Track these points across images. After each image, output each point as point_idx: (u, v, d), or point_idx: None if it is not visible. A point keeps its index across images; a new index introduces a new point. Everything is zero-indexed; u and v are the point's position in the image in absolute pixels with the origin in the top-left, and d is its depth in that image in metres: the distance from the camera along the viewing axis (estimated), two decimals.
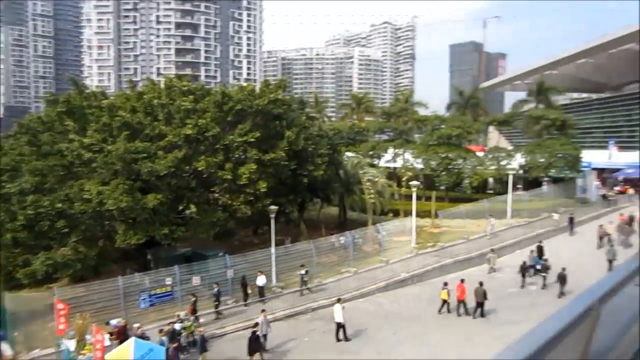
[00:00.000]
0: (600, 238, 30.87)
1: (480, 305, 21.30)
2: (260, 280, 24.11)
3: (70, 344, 18.14)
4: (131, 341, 15.74)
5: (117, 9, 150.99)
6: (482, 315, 21.31)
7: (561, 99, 75.81)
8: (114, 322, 19.87)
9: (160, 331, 18.50)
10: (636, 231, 31.85)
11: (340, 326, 19.57)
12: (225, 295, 23.94)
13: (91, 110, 28.56)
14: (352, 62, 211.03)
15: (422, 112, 60.79)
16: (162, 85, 33.12)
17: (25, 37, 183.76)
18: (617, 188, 49.30)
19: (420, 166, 50.21)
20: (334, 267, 28.64)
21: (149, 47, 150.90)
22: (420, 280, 27.61)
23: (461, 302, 21.72)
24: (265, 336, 18.70)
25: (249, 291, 23.86)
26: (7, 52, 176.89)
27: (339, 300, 20.37)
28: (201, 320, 21.29)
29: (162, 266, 24.55)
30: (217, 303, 22.57)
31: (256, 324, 18.39)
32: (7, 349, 19.16)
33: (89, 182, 24.61)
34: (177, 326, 19.37)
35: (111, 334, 18.56)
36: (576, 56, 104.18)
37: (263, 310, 20.01)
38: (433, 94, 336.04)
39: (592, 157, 53.09)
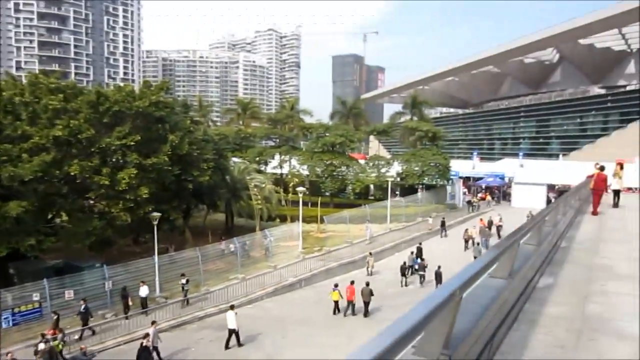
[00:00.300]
0: (466, 241, 34.33)
1: (367, 304, 22.45)
2: (143, 291, 22.90)
3: None
4: None
5: None
6: (366, 315, 22.45)
7: (433, 113, 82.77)
8: None
9: (36, 353, 16.66)
10: (494, 234, 35.97)
11: (233, 333, 19.26)
12: (105, 309, 22.30)
13: None
14: (237, 67, 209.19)
15: (307, 119, 62.10)
16: (25, 81, 29.93)
17: None
18: (479, 195, 55.05)
19: (306, 173, 51.32)
20: (222, 274, 28.09)
21: (5, 37, 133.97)
22: (308, 284, 28.26)
23: (350, 302, 22.71)
24: (156, 348, 17.74)
25: (130, 303, 22.53)
26: None
27: (232, 307, 20.16)
28: (75, 337, 19.55)
29: (29, 281, 22.08)
30: (85, 320, 20.62)
31: (146, 335, 17.40)
32: None
33: None
34: (41, 346, 17.48)
35: None
36: (444, 74, 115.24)
37: (154, 322, 19.08)
38: (317, 102, 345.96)
39: (459, 167, 58.60)
